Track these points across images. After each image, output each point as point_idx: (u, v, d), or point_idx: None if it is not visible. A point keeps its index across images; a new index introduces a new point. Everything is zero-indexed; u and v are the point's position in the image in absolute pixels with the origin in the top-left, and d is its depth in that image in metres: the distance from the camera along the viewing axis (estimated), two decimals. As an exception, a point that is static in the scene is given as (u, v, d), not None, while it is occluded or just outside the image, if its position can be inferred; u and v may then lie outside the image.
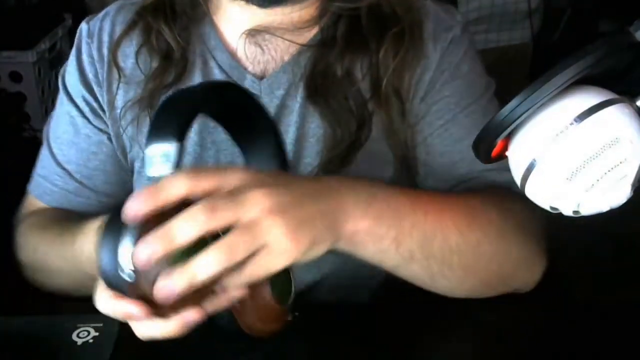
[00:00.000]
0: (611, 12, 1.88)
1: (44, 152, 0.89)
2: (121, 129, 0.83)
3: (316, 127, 0.80)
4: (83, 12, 2.07)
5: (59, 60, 2.07)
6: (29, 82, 1.92)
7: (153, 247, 0.50)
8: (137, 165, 0.85)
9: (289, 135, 0.80)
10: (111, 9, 0.87)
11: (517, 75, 1.76)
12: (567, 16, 1.97)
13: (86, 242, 0.71)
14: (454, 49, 0.81)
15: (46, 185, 0.87)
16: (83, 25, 0.87)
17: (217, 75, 0.82)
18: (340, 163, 0.78)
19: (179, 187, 0.51)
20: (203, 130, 0.81)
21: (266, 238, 0.52)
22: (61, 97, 0.87)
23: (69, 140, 0.85)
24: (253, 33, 0.79)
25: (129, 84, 0.83)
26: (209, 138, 0.81)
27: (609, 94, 0.52)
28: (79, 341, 0.71)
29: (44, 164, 0.88)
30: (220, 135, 0.81)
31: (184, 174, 0.52)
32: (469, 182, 0.81)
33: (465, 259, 0.69)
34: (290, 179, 0.60)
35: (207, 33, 0.83)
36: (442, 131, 0.80)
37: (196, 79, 0.82)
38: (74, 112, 0.85)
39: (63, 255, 0.77)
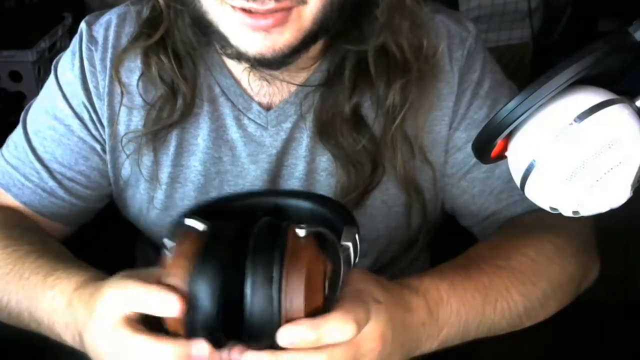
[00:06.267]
0: (611, 12, 1.88)
1: (17, 141, 0.83)
2: (123, 154, 0.80)
3: (327, 160, 0.78)
4: (83, 11, 2.07)
5: (59, 59, 2.06)
6: (28, 81, 1.91)
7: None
8: (132, 180, 0.82)
9: (297, 169, 0.79)
10: (113, 16, 0.81)
11: (517, 75, 1.76)
12: (567, 16, 1.98)
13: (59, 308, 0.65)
14: (472, 64, 0.80)
15: (17, 177, 0.82)
16: (84, 27, 0.81)
17: (223, 104, 0.79)
18: (353, 206, 0.77)
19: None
20: (207, 160, 0.79)
21: None
22: (50, 87, 0.83)
23: (56, 139, 0.81)
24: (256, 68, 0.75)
25: (132, 106, 0.79)
26: (213, 168, 0.80)
27: (609, 94, 0.52)
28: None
29: (18, 155, 0.82)
30: (225, 166, 0.80)
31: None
32: (508, 209, 0.80)
33: (535, 311, 0.71)
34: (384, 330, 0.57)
35: (211, 58, 0.79)
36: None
37: (205, 109, 0.79)
38: (68, 112, 0.81)
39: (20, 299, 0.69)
